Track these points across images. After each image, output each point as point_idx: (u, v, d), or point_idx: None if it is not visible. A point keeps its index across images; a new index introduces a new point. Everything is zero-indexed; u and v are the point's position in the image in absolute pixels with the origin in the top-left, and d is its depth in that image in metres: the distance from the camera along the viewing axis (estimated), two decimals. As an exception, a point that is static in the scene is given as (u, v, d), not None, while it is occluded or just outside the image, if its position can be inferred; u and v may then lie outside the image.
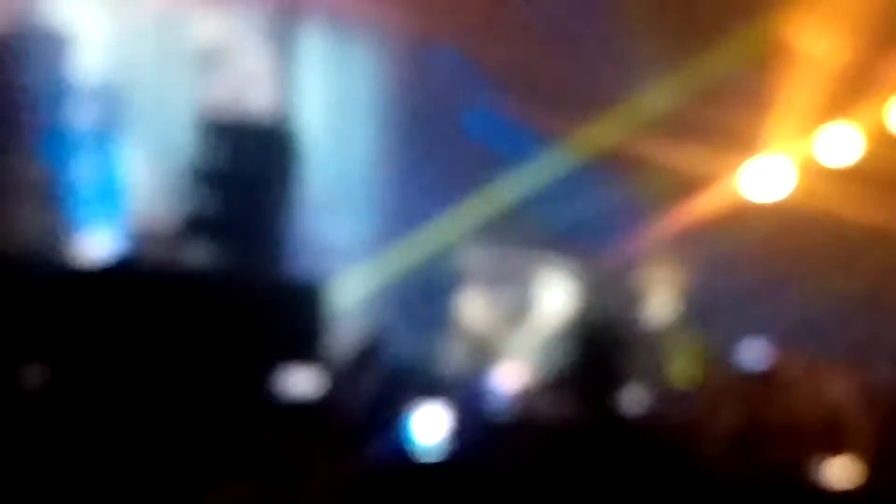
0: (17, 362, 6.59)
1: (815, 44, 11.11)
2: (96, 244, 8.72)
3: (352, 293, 10.02)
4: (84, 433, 5.89)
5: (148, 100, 9.83)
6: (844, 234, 10.71)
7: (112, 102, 9.51)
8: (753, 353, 9.29)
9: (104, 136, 9.30)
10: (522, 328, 10.58)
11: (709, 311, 10.47)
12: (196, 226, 8.52)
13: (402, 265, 10.85)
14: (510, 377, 9.02)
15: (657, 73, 11.15)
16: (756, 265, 10.67)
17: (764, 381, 8.63)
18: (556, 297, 10.87)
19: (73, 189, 8.76)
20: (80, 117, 9.17)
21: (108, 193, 8.96)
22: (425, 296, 10.54)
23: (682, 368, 9.83)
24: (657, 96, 11.20)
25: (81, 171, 9.00)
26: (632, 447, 6.81)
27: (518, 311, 10.66)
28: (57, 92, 9.06)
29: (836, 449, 7.26)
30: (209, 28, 10.29)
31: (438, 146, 11.14)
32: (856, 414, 7.84)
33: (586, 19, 10.84)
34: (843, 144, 11.29)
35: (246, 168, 8.78)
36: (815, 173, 11.27)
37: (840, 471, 6.80)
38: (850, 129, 11.27)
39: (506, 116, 11.22)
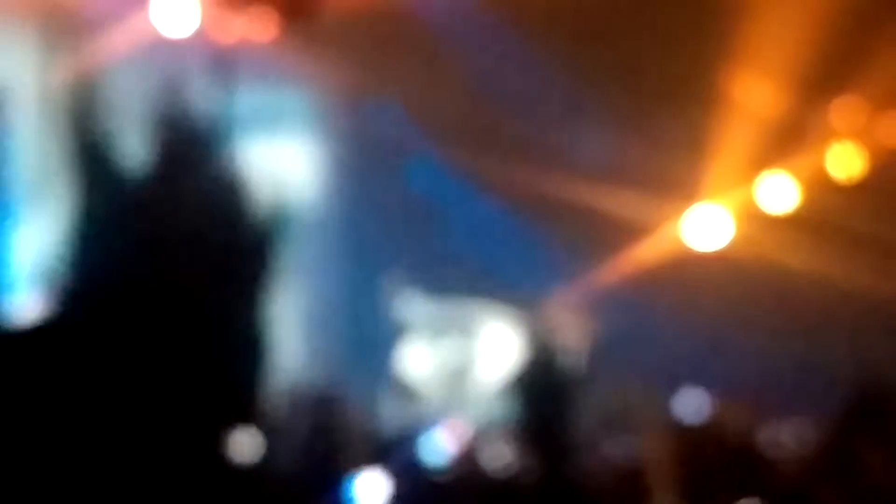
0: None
1: (753, 95, 11.13)
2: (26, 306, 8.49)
3: (292, 350, 9.88)
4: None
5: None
6: (783, 279, 10.68)
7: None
8: (692, 404, 9.26)
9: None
10: (465, 381, 10.49)
11: (648, 360, 10.38)
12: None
13: (345, 317, 10.76)
14: (453, 433, 8.87)
15: (595, 123, 11.13)
16: (696, 313, 10.64)
17: (702, 432, 8.57)
18: (498, 348, 10.78)
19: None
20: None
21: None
22: (368, 350, 10.42)
23: (623, 417, 9.72)
24: (596, 145, 11.18)
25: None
26: (576, 498, 6.75)
27: (461, 364, 10.55)
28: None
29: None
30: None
31: (381, 198, 11.11)
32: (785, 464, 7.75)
33: (521, 73, 10.81)
34: (780, 192, 11.30)
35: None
36: (754, 220, 11.27)
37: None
38: (786, 177, 11.29)
39: (447, 168, 11.19)
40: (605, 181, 10.98)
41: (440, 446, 8.31)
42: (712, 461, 7.93)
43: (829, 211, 10.98)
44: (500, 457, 7.80)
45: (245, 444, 7.13)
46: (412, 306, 10.71)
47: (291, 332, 10.45)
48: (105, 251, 8.28)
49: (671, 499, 7.25)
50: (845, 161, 11.35)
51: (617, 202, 10.97)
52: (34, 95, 9.44)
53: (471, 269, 10.81)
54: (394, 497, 6.80)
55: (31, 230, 8.82)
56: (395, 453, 7.35)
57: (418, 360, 10.47)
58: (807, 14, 10.45)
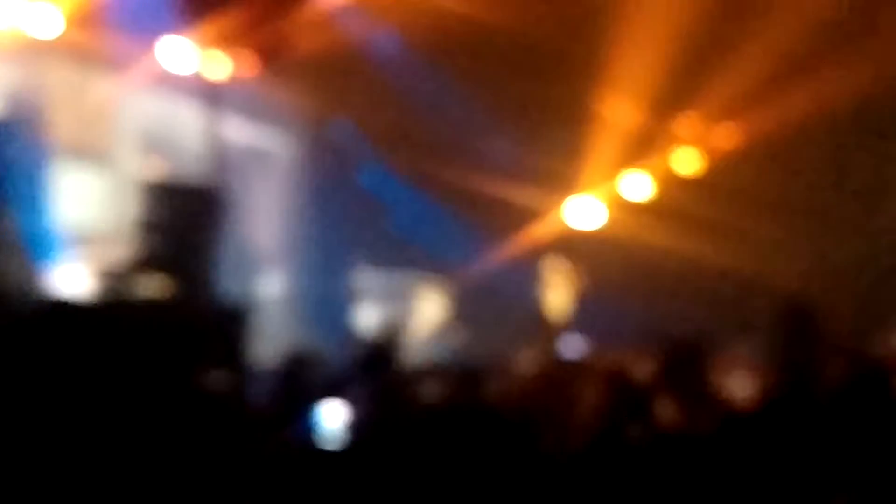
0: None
1: (617, 111, 11.10)
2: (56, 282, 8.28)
3: (272, 312, 9.76)
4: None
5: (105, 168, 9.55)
6: (644, 253, 10.68)
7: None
8: (573, 346, 9.25)
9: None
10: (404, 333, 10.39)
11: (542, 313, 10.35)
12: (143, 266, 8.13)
13: (313, 288, 10.67)
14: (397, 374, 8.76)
15: (501, 133, 11.08)
16: (576, 277, 10.60)
17: (579, 367, 8.50)
18: (428, 308, 10.71)
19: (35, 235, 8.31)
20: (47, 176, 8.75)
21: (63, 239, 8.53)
22: (331, 310, 10.33)
23: (528, 357, 9.67)
24: (501, 151, 11.12)
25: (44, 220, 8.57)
26: (484, 423, 6.58)
27: (400, 320, 10.46)
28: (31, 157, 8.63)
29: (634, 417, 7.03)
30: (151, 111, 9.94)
31: (341, 195, 11.02)
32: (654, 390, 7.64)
33: (445, 96, 10.75)
34: (638, 186, 11.29)
35: (183, 221, 8.44)
36: (619, 208, 11.25)
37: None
38: (643, 174, 11.29)
39: (390, 170, 11.15)
40: (509, 178, 10.93)
41: (384, 384, 8.21)
42: (585, 392, 7.77)
43: (675, 199, 10.98)
44: (429, 391, 7.66)
45: (232, 383, 7.01)
46: (364, 277, 10.61)
47: (273, 295, 10.34)
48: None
49: (553, 421, 7.07)
50: (687, 161, 11.35)
51: (518, 194, 10.91)
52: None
53: (408, 248, 10.73)
54: (349, 420, 6.69)
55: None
56: (349, 388, 7.22)
57: (368, 317, 10.38)
58: (656, 47, 10.38)
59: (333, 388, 7.23)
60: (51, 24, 9.08)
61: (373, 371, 8.16)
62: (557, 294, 10.21)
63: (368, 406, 7.30)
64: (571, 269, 10.06)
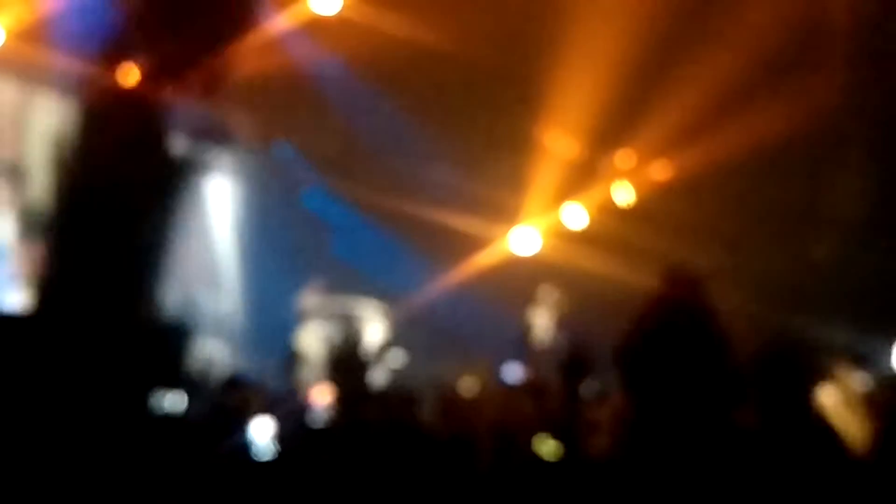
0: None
1: (559, 145, 11.10)
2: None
3: (216, 331, 9.55)
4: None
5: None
6: (577, 276, 10.60)
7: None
8: (513, 373, 9.15)
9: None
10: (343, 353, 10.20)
11: (483, 337, 10.19)
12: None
13: (256, 308, 10.47)
14: (324, 393, 8.55)
15: (443, 162, 10.99)
16: (517, 300, 10.51)
17: (519, 391, 8.39)
18: (372, 330, 10.51)
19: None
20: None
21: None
22: (274, 330, 10.11)
23: (467, 382, 9.50)
24: (444, 179, 11.03)
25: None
26: (417, 441, 6.46)
27: (340, 340, 10.26)
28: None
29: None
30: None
31: (285, 216, 10.86)
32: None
33: (387, 123, 10.65)
34: (577, 216, 11.25)
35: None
36: (559, 236, 11.19)
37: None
38: (581, 205, 11.26)
39: (332, 193, 11.01)
40: (450, 206, 10.82)
41: (321, 400, 8.00)
42: (524, 412, 7.66)
43: (612, 228, 10.96)
44: (367, 411, 7.47)
45: (173, 401, 6.83)
46: (307, 299, 10.40)
47: (216, 313, 10.11)
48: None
49: (493, 439, 6.93)
50: (623, 193, 11.37)
51: (459, 222, 10.81)
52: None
53: (349, 270, 10.56)
54: (277, 438, 6.53)
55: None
56: (282, 407, 7.05)
57: (310, 337, 10.18)
58: (597, 84, 10.43)
59: (270, 406, 7.07)
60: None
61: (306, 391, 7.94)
62: (504, 322, 10.13)
63: (302, 422, 7.14)
64: (511, 292, 9.96)
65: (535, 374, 8.96)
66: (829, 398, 4.38)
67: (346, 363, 7.88)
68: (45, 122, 9.30)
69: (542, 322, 10.02)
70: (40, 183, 8.98)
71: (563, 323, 9.87)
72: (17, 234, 8.69)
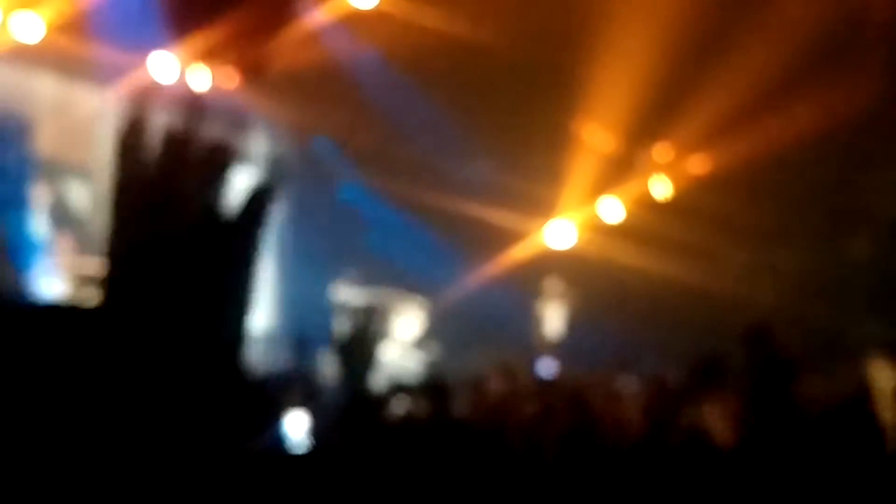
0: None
1: (596, 139, 10.97)
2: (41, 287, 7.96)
3: (258, 328, 9.52)
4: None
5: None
6: (616, 271, 10.47)
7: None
8: (547, 367, 9.03)
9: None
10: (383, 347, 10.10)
11: (520, 334, 10.09)
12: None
13: (297, 303, 10.42)
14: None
15: (480, 156, 10.90)
16: (555, 295, 10.39)
17: (553, 386, 8.26)
18: (407, 323, 10.41)
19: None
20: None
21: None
22: (313, 324, 10.04)
23: (501, 376, 9.38)
24: (481, 173, 10.93)
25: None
26: (458, 435, 6.33)
27: (378, 333, 10.16)
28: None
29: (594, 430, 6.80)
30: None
31: (321, 210, 10.79)
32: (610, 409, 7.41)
33: (423, 117, 10.54)
34: (613, 210, 11.13)
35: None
36: (596, 230, 11.07)
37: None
38: (617, 199, 11.14)
39: (367, 186, 10.93)
40: (487, 200, 10.72)
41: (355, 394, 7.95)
42: (560, 407, 7.52)
43: (650, 222, 10.83)
44: (404, 399, 7.36)
45: (219, 387, 6.72)
46: (344, 291, 10.33)
47: (264, 305, 10.10)
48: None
49: (532, 431, 6.83)
50: (661, 187, 11.24)
51: (496, 215, 10.71)
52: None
53: (385, 264, 10.47)
54: (312, 432, 6.44)
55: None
56: (320, 400, 6.96)
57: (346, 329, 10.05)
58: (634, 79, 10.30)
59: (307, 397, 7.00)
60: (34, 30, 8.82)
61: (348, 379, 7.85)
62: (539, 316, 10.01)
63: (340, 415, 7.06)
64: (555, 291, 9.85)
65: (569, 369, 8.85)
66: (876, 386, 4.31)
67: (355, 350, 7.79)
68: (84, 117, 9.28)
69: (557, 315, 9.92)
70: (81, 176, 8.97)
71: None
72: (55, 228, 8.67)
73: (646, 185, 11.15)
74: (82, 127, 9.26)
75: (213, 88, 9.40)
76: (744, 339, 5.37)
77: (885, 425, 4.28)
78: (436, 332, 10.38)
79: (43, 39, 8.82)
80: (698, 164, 11.01)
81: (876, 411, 4.46)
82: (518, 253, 10.91)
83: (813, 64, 9.83)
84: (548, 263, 10.79)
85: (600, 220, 11.09)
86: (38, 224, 8.33)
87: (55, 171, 9.05)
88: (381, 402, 7.46)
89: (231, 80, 9.50)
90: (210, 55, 9.34)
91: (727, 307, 8.90)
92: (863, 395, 4.68)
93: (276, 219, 9.87)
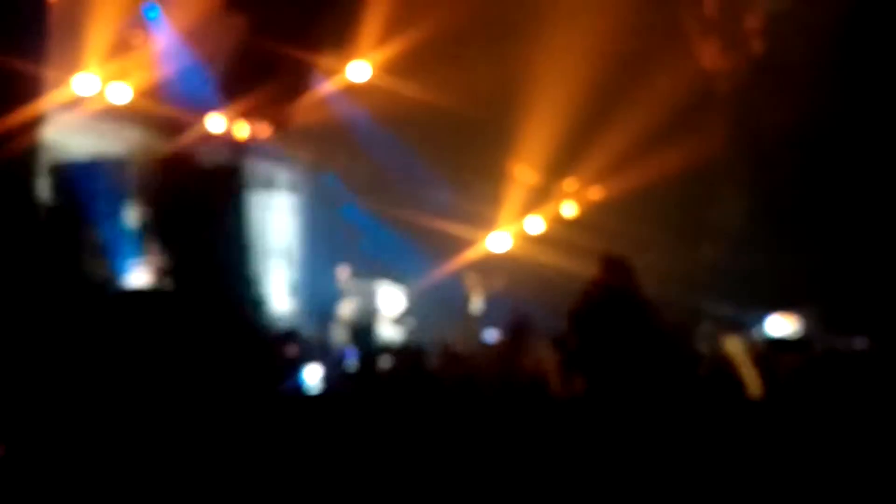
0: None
1: (524, 173, 11.09)
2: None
3: (283, 305, 9.50)
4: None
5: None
6: (536, 269, 10.56)
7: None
8: (490, 335, 9.08)
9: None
10: (372, 319, 10.18)
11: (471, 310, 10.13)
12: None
13: (310, 285, 10.44)
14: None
15: (443, 186, 10.99)
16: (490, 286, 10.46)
17: (499, 349, 8.28)
18: (390, 303, 10.48)
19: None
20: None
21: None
22: (323, 303, 10.11)
23: (463, 341, 9.43)
24: (443, 198, 11.02)
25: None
26: (429, 383, 6.33)
27: (370, 310, 10.25)
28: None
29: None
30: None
31: (329, 222, 10.76)
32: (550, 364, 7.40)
33: (403, 158, 10.66)
34: (536, 224, 11.19)
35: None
36: (523, 238, 11.14)
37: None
38: (538, 217, 11.21)
39: (363, 208, 11.02)
40: (447, 216, 10.82)
41: (353, 353, 7.93)
42: (507, 364, 7.46)
43: (561, 233, 10.93)
44: (387, 362, 7.36)
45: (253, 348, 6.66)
46: (345, 280, 10.37)
47: (283, 293, 10.10)
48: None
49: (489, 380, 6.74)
50: (569, 209, 11.35)
51: (454, 228, 10.80)
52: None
53: (374, 261, 10.54)
54: (324, 379, 6.43)
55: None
56: (329, 356, 6.96)
57: (347, 307, 10.13)
58: (551, 133, 10.44)
59: (317, 356, 6.99)
60: (123, 94, 8.77)
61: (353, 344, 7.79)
62: (478, 298, 10.09)
63: (343, 369, 7.06)
64: (488, 281, 9.93)
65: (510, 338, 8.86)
66: (730, 351, 4.35)
67: (365, 327, 7.82)
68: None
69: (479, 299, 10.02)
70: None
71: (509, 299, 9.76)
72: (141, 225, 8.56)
73: (559, 208, 11.28)
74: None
75: (251, 137, 9.43)
76: (603, 264, 5.22)
77: (740, 378, 4.30)
78: (412, 310, 10.45)
79: (130, 102, 8.84)
80: (596, 192, 11.17)
81: (731, 368, 4.48)
82: (470, 254, 11.02)
83: (675, 122, 10.07)
84: (490, 262, 10.90)
85: (526, 232, 11.20)
86: (128, 230, 8.25)
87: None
88: (375, 358, 7.47)
89: (264, 131, 9.55)
90: (249, 114, 9.41)
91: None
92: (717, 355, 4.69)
93: (299, 226, 9.74)
